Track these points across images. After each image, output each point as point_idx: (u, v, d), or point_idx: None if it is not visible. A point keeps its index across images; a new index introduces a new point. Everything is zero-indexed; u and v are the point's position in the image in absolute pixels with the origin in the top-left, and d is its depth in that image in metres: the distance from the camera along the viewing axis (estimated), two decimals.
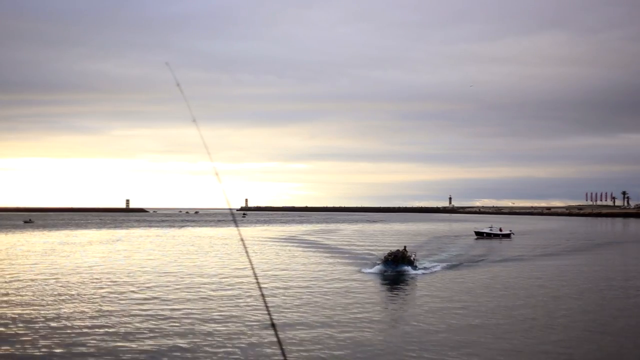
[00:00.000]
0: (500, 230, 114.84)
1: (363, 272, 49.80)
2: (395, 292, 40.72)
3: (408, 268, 49.36)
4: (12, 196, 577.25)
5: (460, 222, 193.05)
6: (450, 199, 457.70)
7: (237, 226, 11.04)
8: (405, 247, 52.79)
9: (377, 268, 49.82)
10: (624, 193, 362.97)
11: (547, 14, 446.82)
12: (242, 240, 11.02)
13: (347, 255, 67.53)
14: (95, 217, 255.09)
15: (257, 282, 10.32)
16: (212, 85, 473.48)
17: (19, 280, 44.40)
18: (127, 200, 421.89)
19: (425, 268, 52.24)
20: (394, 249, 53.72)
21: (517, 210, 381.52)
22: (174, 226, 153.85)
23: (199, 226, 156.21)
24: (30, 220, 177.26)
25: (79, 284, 42.05)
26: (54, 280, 44.02)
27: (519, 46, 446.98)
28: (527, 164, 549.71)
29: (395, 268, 48.86)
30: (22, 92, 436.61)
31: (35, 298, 36.20)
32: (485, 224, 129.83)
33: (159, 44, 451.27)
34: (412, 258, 51.14)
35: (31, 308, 32.72)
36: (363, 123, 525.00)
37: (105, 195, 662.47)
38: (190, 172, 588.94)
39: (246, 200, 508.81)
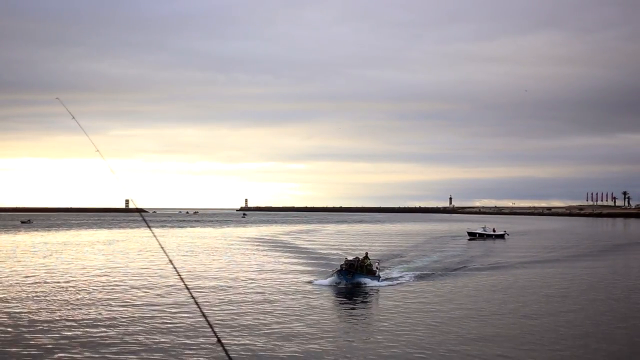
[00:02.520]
0: (494, 230, 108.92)
1: (314, 284, 40.90)
2: (337, 311, 31.90)
3: (367, 279, 40.41)
4: (10, 196, 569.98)
5: (459, 223, 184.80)
6: (450, 199, 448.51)
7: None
8: (366, 253, 43.73)
9: (330, 279, 40.89)
10: (624, 193, 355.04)
11: (543, 13, 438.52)
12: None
13: (312, 259, 59.00)
14: (95, 217, 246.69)
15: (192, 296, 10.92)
16: (208, 85, 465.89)
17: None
18: (127, 201, 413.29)
19: (390, 278, 43.38)
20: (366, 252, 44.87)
21: (518, 211, 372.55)
22: (169, 226, 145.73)
23: (190, 226, 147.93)
24: (28, 220, 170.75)
25: (68, 286, 39.46)
26: (43, 282, 41.55)
27: (515, 46, 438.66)
28: (525, 163, 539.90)
29: (351, 279, 39.95)
30: (19, 92, 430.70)
31: (18, 299, 34.44)
32: (485, 225, 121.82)
33: (155, 44, 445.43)
34: (374, 267, 42.21)
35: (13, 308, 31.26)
36: (360, 123, 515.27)
37: (104, 195, 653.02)
38: (189, 172, 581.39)
39: (246, 200, 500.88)
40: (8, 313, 30.29)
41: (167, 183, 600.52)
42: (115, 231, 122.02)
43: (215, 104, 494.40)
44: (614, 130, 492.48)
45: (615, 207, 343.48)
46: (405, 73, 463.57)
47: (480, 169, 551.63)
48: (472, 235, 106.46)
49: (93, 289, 38.34)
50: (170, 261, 12.19)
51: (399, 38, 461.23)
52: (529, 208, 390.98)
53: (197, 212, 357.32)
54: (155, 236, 12.97)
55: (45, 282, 41.41)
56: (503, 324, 28.47)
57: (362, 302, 35.39)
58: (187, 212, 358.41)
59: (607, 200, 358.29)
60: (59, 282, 41.46)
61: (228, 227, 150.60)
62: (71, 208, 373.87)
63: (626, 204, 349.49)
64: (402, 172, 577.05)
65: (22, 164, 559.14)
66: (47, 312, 30.71)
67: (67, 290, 37.77)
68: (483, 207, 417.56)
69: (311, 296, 36.45)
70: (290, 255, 64.55)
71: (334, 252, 68.41)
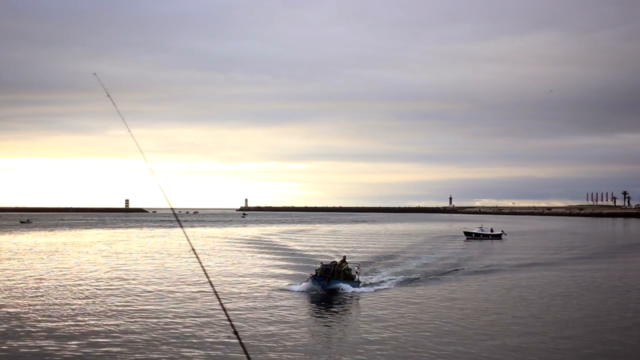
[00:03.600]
0: (492, 230, 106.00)
1: (287, 290, 37.14)
2: (304, 322, 28.13)
3: (344, 285, 36.65)
4: (9, 196, 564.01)
5: (458, 223, 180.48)
6: (450, 199, 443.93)
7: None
8: (344, 257, 39.88)
9: (304, 285, 37.13)
10: (624, 193, 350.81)
11: (540, 13, 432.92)
12: None
13: (295, 261, 55.31)
14: (95, 217, 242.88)
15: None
16: (207, 84, 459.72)
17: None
18: (127, 200, 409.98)
19: (371, 284, 39.63)
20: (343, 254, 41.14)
21: (518, 211, 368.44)
22: (166, 226, 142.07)
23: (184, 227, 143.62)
24: (27, 220, 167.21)
25: (60, 286, 38.53)
26: (36, 282, 40.30)
27: (513, 46, 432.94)
28: (525, 163, 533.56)
29: (327, 285, 36.20)
30: (18, 91, 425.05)
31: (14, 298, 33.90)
32: (484, 225, 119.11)
33: (153, 44, 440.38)
34: (352, 272, 38.44)
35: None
36: (359, 123, 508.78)
37: (104, 195, 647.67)
38: (189, 172, 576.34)
39: (246, 200, 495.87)
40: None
41: (166, 183, 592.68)
42: (117, 231, 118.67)
43: (214, 104, 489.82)
44: (614, 130, 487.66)
45: (615, 207, 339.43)
46: (404, 73, 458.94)
47: (480, 169, 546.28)
48: (469, 235, 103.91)
49: (91, 288, 36.99)
50: (200, 262, 11.95)
51: (397, 38, 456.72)
52: (529, 208, 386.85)
53: (197, 212, 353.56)
54: (187, 237, 12.95)
55: (42, 282, 40.51)
56: (483, 342, 24.68)
57: (334, 311, 31.61)
58: (187, 212, 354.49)
59: (607, 200, 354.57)
60: (60, 282, 40.67)
61: (223, 227, 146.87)
62: (71, 208, 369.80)
63: (626, 204, 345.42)
64: (401, 172, 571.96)
65: (21, 163, 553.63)
66: (51, 312, 30.08)
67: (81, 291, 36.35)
68: (483, 207, 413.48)
69: (281, 304, 32.73)
70: (273, 257, 60.91)
71: (322, 253, 64.72)
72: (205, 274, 12.13)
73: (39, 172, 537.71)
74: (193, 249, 11.87)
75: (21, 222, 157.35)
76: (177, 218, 13.82)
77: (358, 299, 34.92)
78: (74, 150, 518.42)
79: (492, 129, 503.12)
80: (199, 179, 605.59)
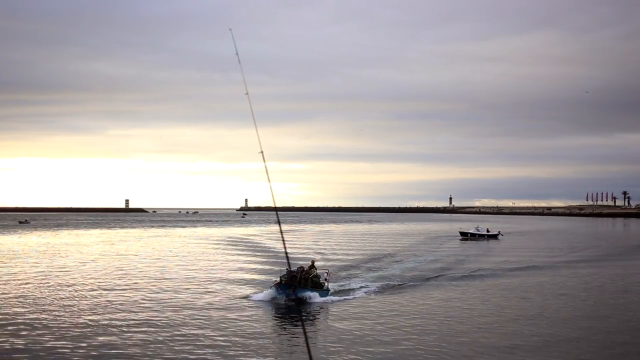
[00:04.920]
0: (488, 230, 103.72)
1: (249, 299, 32.84)
2: (259, 338, 23.81)
3: (311, 294, 32.32)
4: (8, 196, 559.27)
5: (457, 223, 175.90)
6: (450, 199, 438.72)
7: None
8: (312, 262, 35.49)
9: (266, 293, 32.81)
10: (624, 193, 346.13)
11: (538, 13, 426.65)
12: None
13: (272, 264, 50.86)
14: (95, 217, 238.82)
15: None
16: (205, 84, 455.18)
17: None
18: (127, 200, 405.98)
19: (344, 291, 35.41)
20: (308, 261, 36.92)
21: (518, 211, 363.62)
22: (166, 226, 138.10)
23: (179, 227, 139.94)
24: (25, 220, 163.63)
25: (55, 286, 37.27)
26: (24, 284, 38.62)
27: (511, 46, 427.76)
28: (525, 163, 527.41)
29: (293, 294, 31.88)
30: (17, 91, 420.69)
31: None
32: (478, 224, 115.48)
33: (152, 44, 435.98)
34: (321, 278, 34.14)
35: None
36: (358, 123, 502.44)
37: (103, 195, 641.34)
38: (189, 172, 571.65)
39: (246, 200, 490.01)
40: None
41: (166, 183, 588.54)
42: (119, 231, 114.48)
43: (213, 104, 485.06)
44: (613, 130, 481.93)
45: (615, 207, 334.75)
46: (402, 73, 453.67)
47: (479, 169, 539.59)
48: (465, 236, 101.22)
49: (89, 287, 34.20)
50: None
51: (395, 38, 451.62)
52: (529, 208, 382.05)
53: (197, 212, 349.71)
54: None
55: (36, 282, 39.37)
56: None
57: (295, 325, 27.27)
58: (187, 212, 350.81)
59: (607, 200, 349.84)
60: (51, 282, 39.40)
61: (217, 227, 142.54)
62: (71, 208, 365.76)
63: (626, 204, 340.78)
64: (401, 172, 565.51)
65: (20, 163, 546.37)
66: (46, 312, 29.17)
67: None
68: (483, 207, 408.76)
69: (235, 315, 28.41)
70: (249, 259, 56.75)
71: (304, 254, 60.45)
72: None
73: (39, 172, 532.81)
74: None
75: (20, 222, 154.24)
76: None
77: (327, 310, 30.66)
78: (74, 150, 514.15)
79: (491, 129, 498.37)
80: (198, 179, 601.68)
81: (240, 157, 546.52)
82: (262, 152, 11.07)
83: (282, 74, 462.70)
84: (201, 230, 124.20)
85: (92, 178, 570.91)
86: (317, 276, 33.67)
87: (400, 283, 39.69)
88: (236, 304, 31.61)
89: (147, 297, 33.55)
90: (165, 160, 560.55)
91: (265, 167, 10.60)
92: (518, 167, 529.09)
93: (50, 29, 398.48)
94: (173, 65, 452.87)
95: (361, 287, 37.35)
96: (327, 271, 35.65)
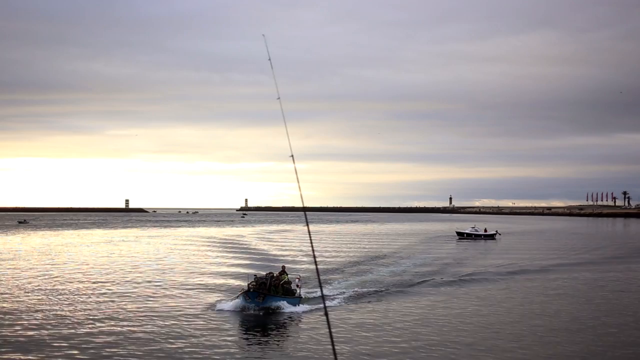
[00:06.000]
0: (486, 230, 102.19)
1: (214, 309, 30.17)
2: (228, 351, 21.26)
3: (282, 302, 29.67)
4: (7, 196, 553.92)
5: (457, 223, 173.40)
6: (450, 199, 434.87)
7: None
8: (283, 267, 32.80)
9: (233, 303, 30.14)
10: (624, 193, 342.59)
11: (536, 13, 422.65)
12: None
13: (249, 267, 48.16)
14: (94, 217, 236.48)
15: None
16: (203, 84, 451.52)
17: None
18: (127, 201, 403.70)
19: (319, 298, 32.67)
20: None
21: (518, 211, 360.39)
22: (167, 226, 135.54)
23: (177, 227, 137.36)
24: (24, 220, 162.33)
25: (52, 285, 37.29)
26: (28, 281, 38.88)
27: (509, 46, 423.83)
28: (524, 163, 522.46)
29: (261, 303, 29.21)
30: (16, 91, 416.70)
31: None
32: (474, 224, 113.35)
33: (150, 44, 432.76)
34: (293, 285, 31.50)
35: None
36: (357, 122, 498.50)
37: (103, 195, 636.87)
38: (188, 172, 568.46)
39: (246, 200, 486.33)
40: None
41: (166, 183, 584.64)
42: (119, 231, 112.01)
43: (211, 104, 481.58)
44: (613, 130, 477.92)
45: (615, 207, 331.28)
46: (400, 73, 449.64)
47: (479, 169, 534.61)
48: (461, 236, 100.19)
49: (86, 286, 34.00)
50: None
51: (393, 38, 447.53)
52: (529, 208, 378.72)
53: (197, 212, 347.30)
54: None
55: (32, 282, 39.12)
56: None
57: (263, 339, 24.69)
58: (188, 212, 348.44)
59: (607, 200, 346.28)
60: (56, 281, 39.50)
61: (214, 227, 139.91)
62: (71, 208, 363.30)
63: (626, 204, 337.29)
64: (401, 172, 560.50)
65: (19, 163, 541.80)
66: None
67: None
68: (483, 207, 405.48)
69: (197, 327, 25.80)
70: (229, 261, 54.11)
71: (289, 254, 57.96)
72: None
73: (38, 172, 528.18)
74: None
75: (19, 222, 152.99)
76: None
77: (298, 321, 28.04)
78: (73, 150, 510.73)
79: (491, 129, 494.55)
80: (198, 179, 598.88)
81: (239, 157, 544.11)
82: (292, 155, 12.12)
83: (280, 74, 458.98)
84: (196, 231, 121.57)
85: (92, 178, 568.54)
86: (289, 282, 31.01)
87: (380, 289, 36.96)
88: (198, 314, 28.93)
89: (97, 304, 30.98)
90: (164, 160, 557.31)
91: (295, 169, 11.69)
92: (518, 167, 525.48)
93: (49, 29, 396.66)
94: (172, 65, 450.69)
95: (338, 293, 34.71)
96: (298, 277, 32.89)
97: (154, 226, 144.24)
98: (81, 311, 29.30)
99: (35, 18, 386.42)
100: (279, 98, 14.51)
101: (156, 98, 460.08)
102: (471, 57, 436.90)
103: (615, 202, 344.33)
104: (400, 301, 32.91)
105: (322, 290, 12.75)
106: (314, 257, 11.42)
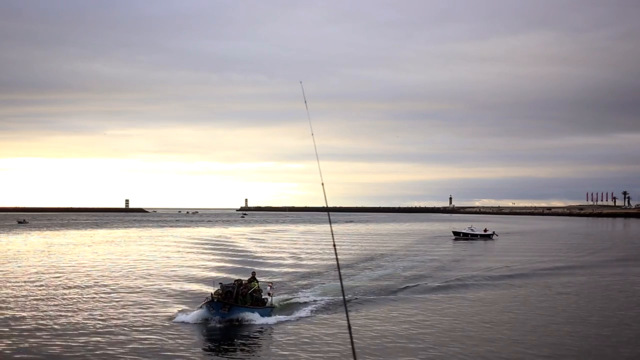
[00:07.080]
0: (485, 230, 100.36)
1: (174, 320, 27.29)
2: None
3: (250, 314, 26.83)
4: (7, 196, 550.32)
5: (456, 223, 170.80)
6: (450, 199, 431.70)
7: None
8: (253, 274, 29.95)
9: (196, 314, 27.26)
10: (624, 193, 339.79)
11: (535, 13, 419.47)
12: None
13: (228, 270, 45.59)
14: (94, 217, 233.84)
15: None
16: (202, 84, 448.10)
17: None
18: (127, 201, 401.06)
19: (291, 307, 29.93)
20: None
21: (518, 211, 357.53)
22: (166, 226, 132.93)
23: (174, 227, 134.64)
24: (24, 220, 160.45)
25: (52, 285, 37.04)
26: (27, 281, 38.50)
27: (508, 46, 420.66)
28: (524, 163, 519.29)
29: (227, 314, 26.38)
30: (15, 91, 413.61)
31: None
32: (471, 224, 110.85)
33: (149, 44, 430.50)
34: (263, 294, 28.65)
35: None
36: (356, 122, 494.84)
37: (103, 195, 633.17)
38: (188, 172, 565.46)
39: (246, 200, 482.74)
40: None
41: (166, 183, 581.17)
42: (119, 231, 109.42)
43: (210, 104, 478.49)
44: (613, 130, 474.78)
45: (615, 207, 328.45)
46: (399, 73, 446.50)
47: (479, 169, 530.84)
48: (458, 236, 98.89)
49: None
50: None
51: (391, 38, 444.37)
52: (529, 208, 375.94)
53: (197, 212, 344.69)
54: None
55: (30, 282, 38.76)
56: None
57: (227, 353, 21.90)
58: (188, 212, 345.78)
59: (607, 200, 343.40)
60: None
61: (211, 227, 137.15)
62: (70, 208, 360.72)
63: (626, 204, 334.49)
64: (401, 172, 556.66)
65: (19, 163, 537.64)
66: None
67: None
68: (483, 207, 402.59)
69: (152, 342, 23.04)
70: (209, 263, 51.43)
71: (275, 257, 55.21)
72: None
73: (37, 172, 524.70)
74: None
75: (18, 222, 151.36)
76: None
77: (268, 334, 25.27)
78: (73, 150, 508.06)
79: (490, 129, 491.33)
80: (198, 179, 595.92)
81: (239, 157, 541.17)
82: (322, 183, 11.98)
83: (279, 74, 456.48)
84: (189, 231, 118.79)
85: (92, 178, 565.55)
86: (259, 291, 28.16)
87: (362, 295, 34.21)
88: (155, 325, 26.16)
89: (48, 312, 28.22)
90: (164, 160, 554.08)
91: (324, 190, 11.51)
92: (518, 167, 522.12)
93: (49, 29, 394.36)
94: (171, 65, 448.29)
95: (315, 300, 31.92)
96: (270, 284, 29.97)
97: (145, 227, 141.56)
98: (21, 321, 26.53)
99: (35, 18, 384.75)
100: (312, 134, 15.20)
101: (156, 98, 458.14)
102: (470, 57, 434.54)
103: (615, 202, 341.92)
104: (384, 308, 30.22)
105: (344, 295, 11.34)
106: (337, 257, 11.16)
